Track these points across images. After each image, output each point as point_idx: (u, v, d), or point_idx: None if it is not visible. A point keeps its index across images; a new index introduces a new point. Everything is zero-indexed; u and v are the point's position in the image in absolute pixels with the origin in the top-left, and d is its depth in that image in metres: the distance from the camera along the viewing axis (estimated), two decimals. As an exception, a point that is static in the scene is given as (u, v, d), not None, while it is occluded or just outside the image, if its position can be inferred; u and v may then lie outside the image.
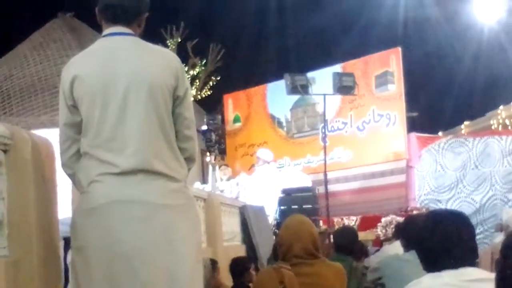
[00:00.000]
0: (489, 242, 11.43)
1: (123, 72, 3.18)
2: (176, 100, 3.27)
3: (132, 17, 3.34)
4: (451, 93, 19.39)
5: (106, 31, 3.34)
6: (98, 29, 3.47)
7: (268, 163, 13.06)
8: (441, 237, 2.76)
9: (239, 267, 6.73)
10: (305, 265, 4.02)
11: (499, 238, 9.36)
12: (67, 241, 3.99)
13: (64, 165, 3.34)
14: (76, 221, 3.23)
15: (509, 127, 14.84)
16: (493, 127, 15.15)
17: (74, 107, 3.22)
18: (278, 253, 4.20)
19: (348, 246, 6.19)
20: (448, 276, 2.67)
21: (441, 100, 20.03)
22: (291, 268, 3.97)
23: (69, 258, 3.46)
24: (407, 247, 5.35)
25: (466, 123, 16.21)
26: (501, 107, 15.28)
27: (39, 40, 18.10)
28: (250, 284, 6.40)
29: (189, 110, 3.34)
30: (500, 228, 9.88)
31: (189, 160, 3.37)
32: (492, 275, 2.55)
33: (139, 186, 3.13)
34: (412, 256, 4.47)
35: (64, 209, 3.80)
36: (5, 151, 3.28)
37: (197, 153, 3.54)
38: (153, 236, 3.12)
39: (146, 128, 3.17)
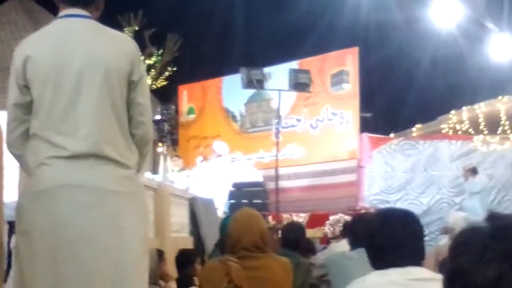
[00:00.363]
0: (434, 244, 11.60)
1: (78, 54, 3.12)
2: (131, 86, 3.22)
3: None
4: (406, 96, 19.57)
5: (63, 12, 3.28)
6: (55, 13, 3.40)
7: (220, 156, 13.05)
8: (390, 235, 2.78)
9: (185, 259, 6.71)
10: (253, 258, 4.01)
11: (444, 240, 9.54)
12: (11, 226, 3.92)
13: (10, 146, 3.26)
14: (22, 204, 3.16)
15: (459, 132, 15.07)
16: (443, 131, 15.36)
17: (25, 87, 3.15)
18: (226, 246, 4.18)
19: (295, 241, 6.21)
20: (394, 274, 2.69)
21: (396, 103, 20.21)
22: (238, 261, 3.95)
23: (13, 243, 3.39)
24: (354, 245, 5.38)
25: (417, 126, 16.40)
26: (452, 111, 15.49)
27: (-8, 21, 17.76)
28: (195, 278, 6.40)
29: (143, 96, 3.29)
30: (445, 231, 10.04)
31: (140, 145, 3.32)
32: (437, 275, 2.58)
33: (89, 171, 3.08)
34: (358, 254, 4.51)
35: (9, 193, 3.73)
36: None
37: (152, 139, 3.49)
38: (101, 222, 3.07)
39: (99, 113, 3.11)
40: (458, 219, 9.05)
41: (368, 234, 2.94)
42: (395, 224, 2.82)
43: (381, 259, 2.80)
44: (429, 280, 2.63)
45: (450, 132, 15.23)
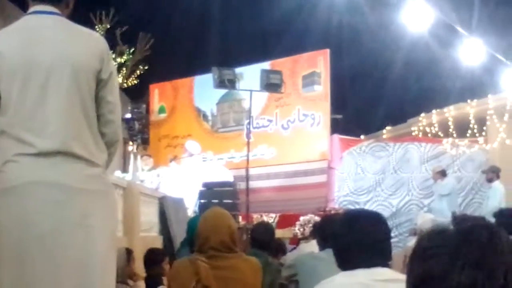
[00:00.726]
0: (402, 246, 11.69)
1: (46, 51, 3.10)
2: (100, 83, 3.21)
3: None
4: (377, 98, 19.75)
5: (32, 8, 3.26)
6: (26, 9, 3.38)
7: (192, 155, 13.02)
8: (356, 236, 2.80)
9: (154, 258, 6.69)
10: (221, 258, 4.00)
11: (412, 242, 9.59)
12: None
13: None
14: (-12, 202, 3.13)
15: (429, 135, 15.21)
16: (413, 134, 15.49)
17: None
18: (195, 245, 4.17)
19: (264, 241, 6.21)
20: (361, 275, 2.70)
21: (366, 105, 20.38)
22: (207, 261, 3.94)
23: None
24: (323, 246, 5.41)
25: (387, 128, 16.52)
26: (422, 114, 15.63)
27: (-39, 16, 17.53)
28: (163, 277, 6.38)
29: (112, 94, 3.28)
30: (414, 232, 10.13)
31: (109, 144, 3.31)
32: (404, 276, 2.60)
33: (57, 169, 3.06)
34: (327, 254, 4.53)
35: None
36: None
37: (121, 138, 3.47)
38: (69, 220, 3.05)
39: (67, 110, 3.10)
40: (426, 221, 9.15)
41: (334, 234, 2.95)
42: (361, 225, 2.83)
43: (348, 259, 2.81)
44: (395, 281, 2.64)
45: (420, 135, 15.37)
